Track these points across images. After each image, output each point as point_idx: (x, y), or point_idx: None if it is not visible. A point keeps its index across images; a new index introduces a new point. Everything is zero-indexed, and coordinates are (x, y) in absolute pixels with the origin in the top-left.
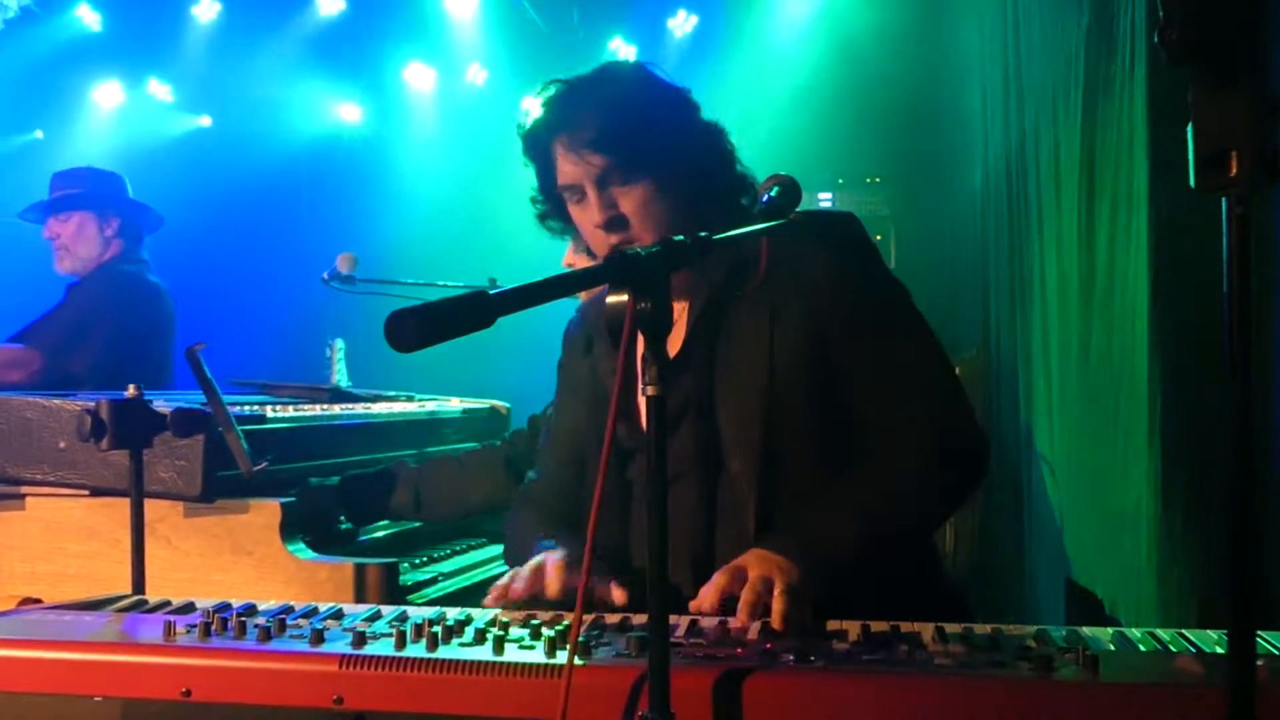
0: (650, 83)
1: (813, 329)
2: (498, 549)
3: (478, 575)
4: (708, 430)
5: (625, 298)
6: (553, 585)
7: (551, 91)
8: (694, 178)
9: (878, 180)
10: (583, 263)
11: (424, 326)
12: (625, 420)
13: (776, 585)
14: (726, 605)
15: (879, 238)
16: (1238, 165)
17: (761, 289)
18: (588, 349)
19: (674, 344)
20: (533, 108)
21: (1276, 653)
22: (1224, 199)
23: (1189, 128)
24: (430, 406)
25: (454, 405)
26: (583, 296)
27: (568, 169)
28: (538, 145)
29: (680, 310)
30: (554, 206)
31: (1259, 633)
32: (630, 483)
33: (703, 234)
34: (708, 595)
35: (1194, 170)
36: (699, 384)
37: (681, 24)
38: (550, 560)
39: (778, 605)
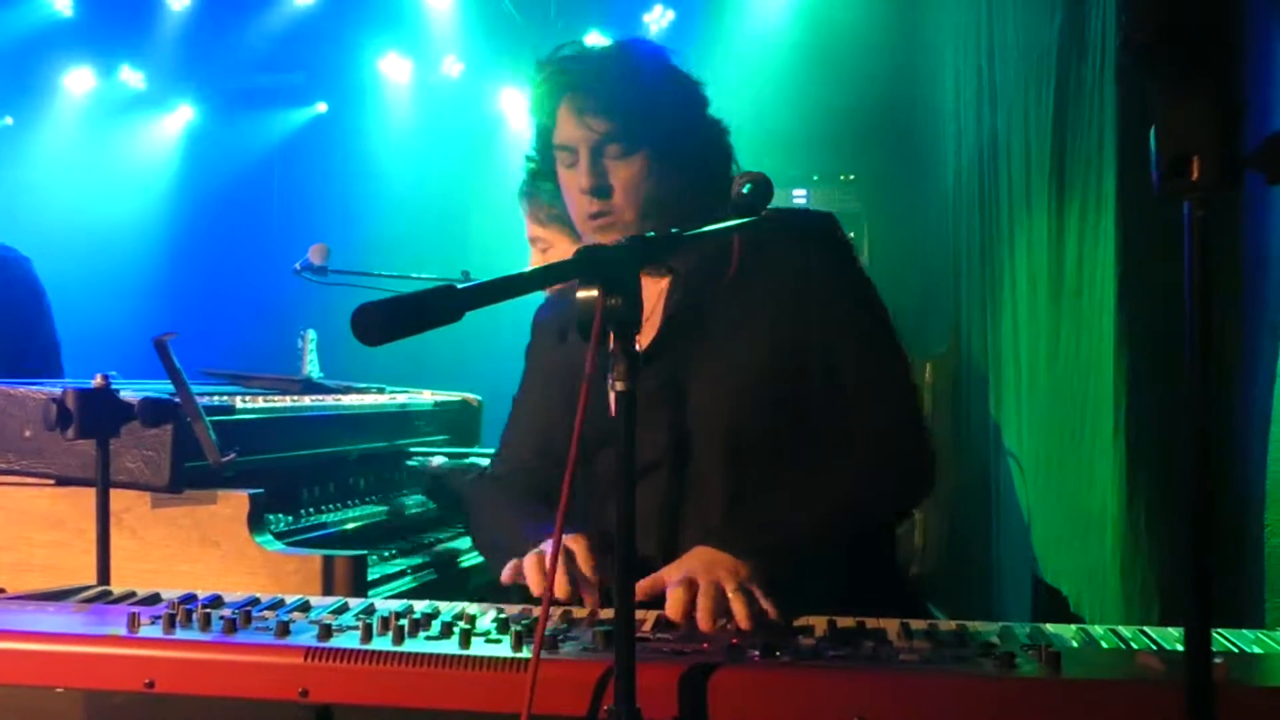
0: (666, 65)
1: (785, 325)
2: (468, 542)
3: (447, 569)
4: (678, 421)
5: (595, 293)
6: (587, 568)
7: (568, 51)
8: (688, 168)
9: (852, 178)
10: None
11: (391, 321)
12: (599, 412)
13: (728, 586)
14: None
15: (852, 235)
16: (1200, 170)
17: (738, 283)
18: (562, 338)
19: (648, 334)
20: (546, 65)
21: (1236, 650)
22: (1186, 203)
23: (1152, 131)
24: (401, 399)
25: (425, 398)
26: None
27: (568, 129)
28: (544, 100)
29: (656, 300)
30: (547, 166)
31: (1221, 631)
32: (600, 477)
33: (674, 230)
34: (675, 612)
35: (1157, 174)
36: (672, 375)
37: (658, 19)
38: (578, 548)
39: (738, 608)
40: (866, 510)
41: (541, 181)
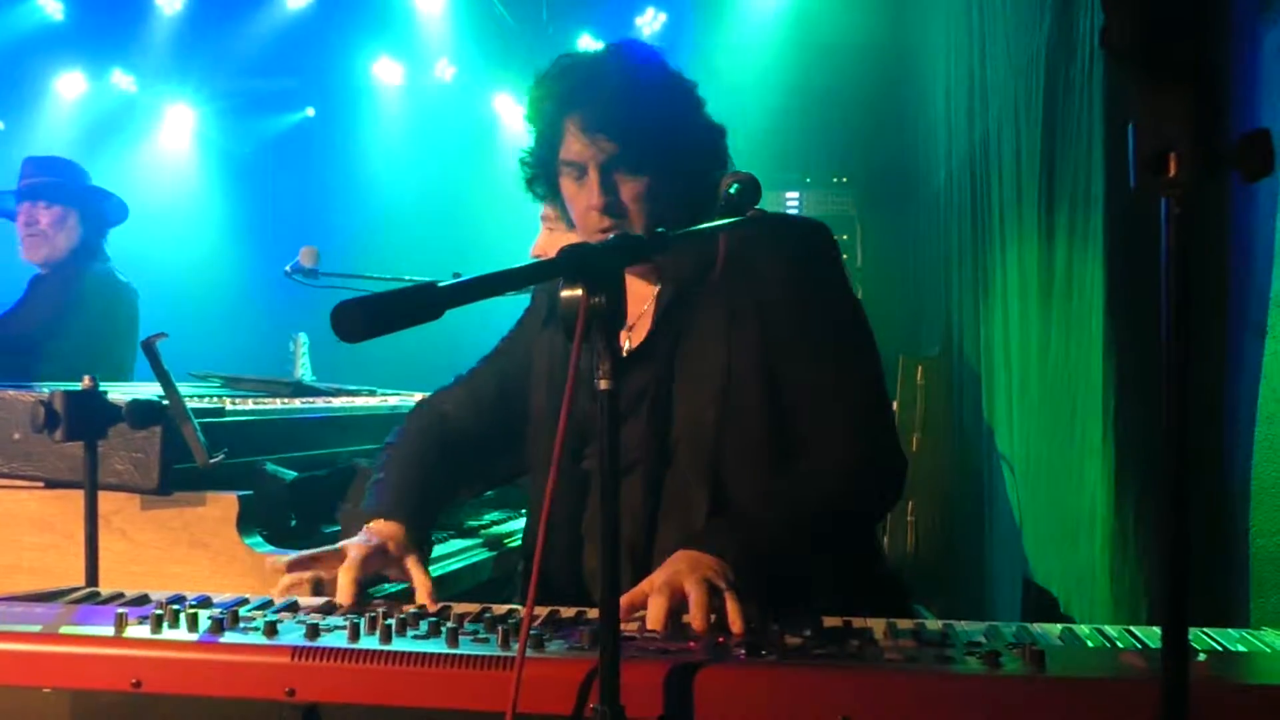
0: (667, 75)
1: (766, 332)
2: (459, 544)
3: (436, 570)
4: (661, 423)
5: (579, 292)
6: (343, 593)
7: (570, 64)
8: (694, 176)
9: (844, 180)
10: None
11: (370, 318)
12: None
13: (720, 585)
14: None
15: (844, 237)
16: (1177, 166)
17: (723, 288)
18: (551, 316)
19: (638, 334)
20: (548, 78)
21: (1220, 649)
22: (1164, 200)
23: (1130, 128)
24: (393, 401)
25: (417, 400)
26: None
27: (576, 147)
28: (546, 116)
29: (648, 301)
30: (545, 175)
31: (1206, 630)
32: (587, 473)
33: (660, 230)
34: (658, 619)
35: (1135, 171)
36: (657, 376)
37: (650, 22)
38: (350, 555)
39: (732, 608)
40: (839, 512)
41: (537, 186)
